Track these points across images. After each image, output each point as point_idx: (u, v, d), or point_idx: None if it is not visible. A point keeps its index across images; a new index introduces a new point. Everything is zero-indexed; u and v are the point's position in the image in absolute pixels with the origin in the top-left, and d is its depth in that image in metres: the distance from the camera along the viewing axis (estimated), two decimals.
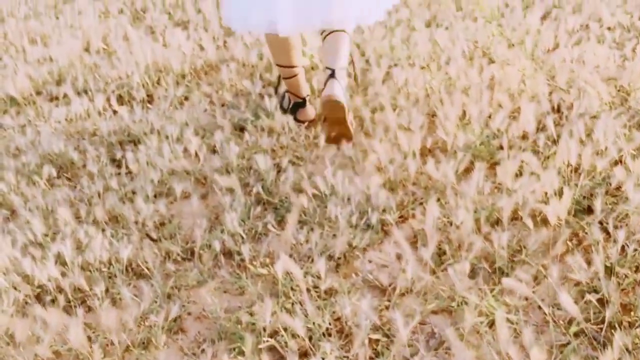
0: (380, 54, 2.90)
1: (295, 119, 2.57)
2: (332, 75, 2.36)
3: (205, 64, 2.94)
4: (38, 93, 2.78)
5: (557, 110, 2.46)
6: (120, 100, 2.72)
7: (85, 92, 2.75)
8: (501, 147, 2.25)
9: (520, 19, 3.09)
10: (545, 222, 1.93)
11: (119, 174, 2.31)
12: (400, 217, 2.04)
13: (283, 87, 2.68)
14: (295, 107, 2.57)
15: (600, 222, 1.91)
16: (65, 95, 2.71)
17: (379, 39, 3.03)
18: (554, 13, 3.20)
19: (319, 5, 2.31)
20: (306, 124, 2.54)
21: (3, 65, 2.91)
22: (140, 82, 2.73)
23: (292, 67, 2.49)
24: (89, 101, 2.65)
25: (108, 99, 2.67)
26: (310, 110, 2.58)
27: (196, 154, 2.34)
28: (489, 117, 2.41)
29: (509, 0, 3.33)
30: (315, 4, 2.31)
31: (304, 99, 2.56)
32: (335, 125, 2.35)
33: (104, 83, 2.77)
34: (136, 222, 2.06)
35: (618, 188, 2.03)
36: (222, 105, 2.69)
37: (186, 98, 2.74)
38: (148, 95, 2.75)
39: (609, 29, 2.98)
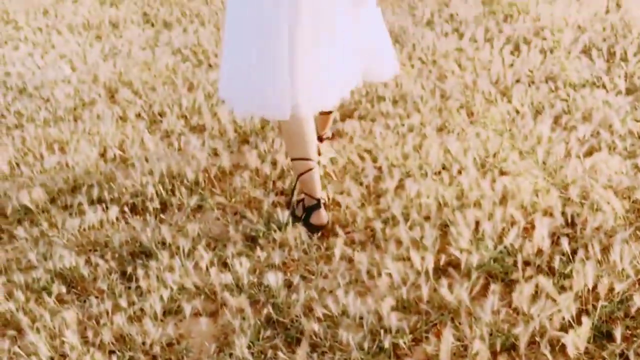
0: (392, 162, 2.86)
1: (308, 225, 2.51)
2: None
3: (219, 171, 2.91)
4: (52, 201, 2.75)
5: (571, 224, 2.39)
6: (134, 209, 2.68)
7: (100, 200, 2.72)
8: (515, 264, 2.17)
9: (531, 127, 3.05)
10: (564, 348, 1.84)
11: (129, 288, 2.25)
12: (413, 340, 1.96)
13: (296, 196, 2.64)
14: (309, 211, 2.52)
15: (622, 351, 1.81)
16: (79, 204, 2.67)
17: (392, 145, 3.00)
18: (564, 120, 3.16)
19: (335, 81, 2.40)
20: (319, 233, 2.49)
21: (20, 174, 2.90)
22: (154, 191, 2.70)
23: (308, 159, 2.48)
24: (103, 211, 2.61)
25: (122, 209, 2.63)
26: (324, 214, 2.52)
27: (207, 269, 2.28)
28: (503, 231, 2.34)
29: (518, 106, 3.30)
30: (333, 79, 2.39)
31: (318, 201, 2.51)
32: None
33: (119, 192, 2.74)
34: (143, 343, 1.98)
35: (639, 310, 1.94)
36: (235, 213, 2.65)
37: (199, 206, 2.70)
38: (161, 203, 2.71)
39: (620, 136, 2.94)
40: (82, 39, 4.53)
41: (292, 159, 2.52)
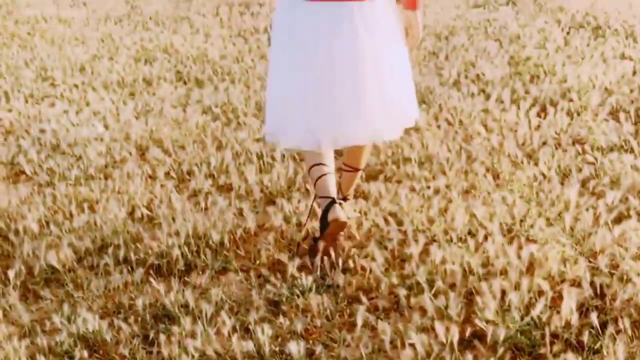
0: (417, 226, 2.81)
1: (325, 225, 2.57)
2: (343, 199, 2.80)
3: (244, 232, 2.88)
4: (79, 260, 2.73)
5: (601, 296, 2.31)
6: (159, 271, 2.66)
7: (126, 260, 2.70)
8: (543, 337, 2.10)
9: (558, 192, 2.99)
10: None
11: (151, 353, 2.21)
12: None
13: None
14: (325, 212, 2.58)
15: None
16: (106, 265, 2.66)
17: (417, 208, 2.95)
18: (592, 184, 3.10)
19: (355, 122, 2.58)
20: (344, 302, 2.43)
21: (49, 233, 2.90)
22: (179, 253, 2.68)
23: (323, 164, 2.66)
24: (128, 273, 2.59)
25: (147, 270, 2.62)
26: (339, 210, 2.57)
27: (229, 335, 2.23)
28: (530, 301, 2.27)
29: (545, 170, 3.25)
30: (351, 120, 2.58)
31: (333, 199, 2.59)
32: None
33: (144, 253, 2.73)
34: None
35: None
36: (259, 276, 2.61)
37: (224, 268, 2.67)
38: (186, 264, 2.69)
39: None
40: (117, 96, 4.59)
41: (309, 168, 2.71)
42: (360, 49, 2.52)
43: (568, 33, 5.67)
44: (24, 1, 7.94)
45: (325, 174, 2.65)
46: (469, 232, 2.79)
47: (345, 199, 2.99)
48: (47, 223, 2.98)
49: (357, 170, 2.93)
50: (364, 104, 2.57)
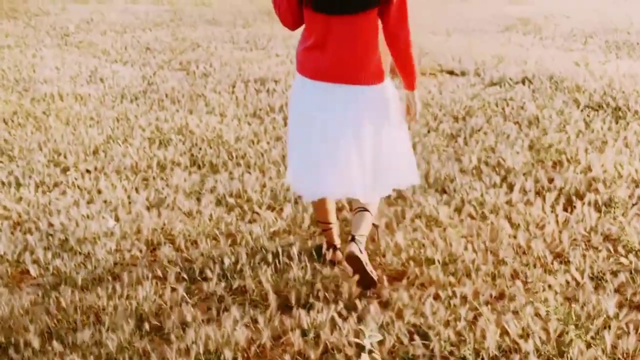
0: (445, 346, 2.58)
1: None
2: (353, 239, 3.09)
3: (258, 347, 2.66)
4: None
5: None
6: None
7: None
8: None
9: (594, 302, 2.76)
10: None
11: None
12: None
13: None
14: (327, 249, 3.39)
15: None
16: None
17: (443, 320, 2.72)
18: (629, 292, 2.87)
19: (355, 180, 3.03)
20: None
21: (51, 349, 2.67)
22: None
23: (329, 223, 3.36)
24: None
25: None
26: (339, 255, 3.36)
27: None
28: None
29: (577, 275, 3.02)
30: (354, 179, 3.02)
31: (335, 246, 3.39)
32: (357, 271, 3.02)
33: None
34: None
35: None
36: None
37: None
38: None
39: None
40: (129, 184, 4.42)
41: (317, 221, 3.47)
42: (345, 125, 2.94)
43: (588, 115, 5.51)
44: (41, 77, 7.88)
45: (330, 229, 3.38)
46: (500, 348, 2.55)
47: (354, 238, 3.10)
48: (50, 335, 2.76)
49: (366, 210, 3.20)
50: (344, 168, 2.99)
